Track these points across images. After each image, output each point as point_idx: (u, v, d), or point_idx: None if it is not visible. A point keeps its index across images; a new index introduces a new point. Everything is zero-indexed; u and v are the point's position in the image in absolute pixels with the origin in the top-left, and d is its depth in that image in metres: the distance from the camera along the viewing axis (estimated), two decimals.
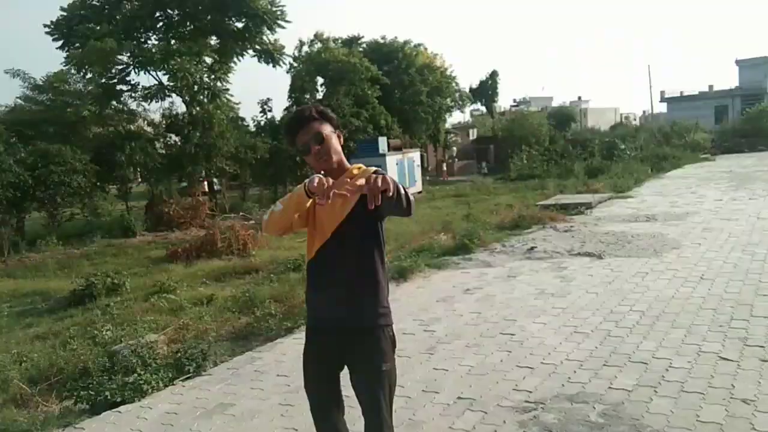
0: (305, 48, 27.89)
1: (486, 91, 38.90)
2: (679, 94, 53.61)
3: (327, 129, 2.53)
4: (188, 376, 4.92)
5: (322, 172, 2.48)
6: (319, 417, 2.68)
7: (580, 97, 68.09)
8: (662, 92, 54.73)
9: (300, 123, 2.51)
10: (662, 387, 4.05)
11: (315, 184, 2.22)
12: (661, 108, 55.15)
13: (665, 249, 8.58)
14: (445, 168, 33.23)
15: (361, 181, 2.19)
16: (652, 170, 22.26)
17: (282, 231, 2.60)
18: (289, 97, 26.79)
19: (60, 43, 20.22)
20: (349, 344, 2.54)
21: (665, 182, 18.95)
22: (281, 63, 22.91)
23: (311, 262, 2.59)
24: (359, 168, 2.58)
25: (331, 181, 2.25)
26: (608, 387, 4.12)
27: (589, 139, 30.10)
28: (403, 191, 2.20)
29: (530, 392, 4.14)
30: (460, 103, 35.87)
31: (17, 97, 21.31)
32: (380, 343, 2.54)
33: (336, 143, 2.55)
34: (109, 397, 4.40)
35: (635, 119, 62.87)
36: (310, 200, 2.37)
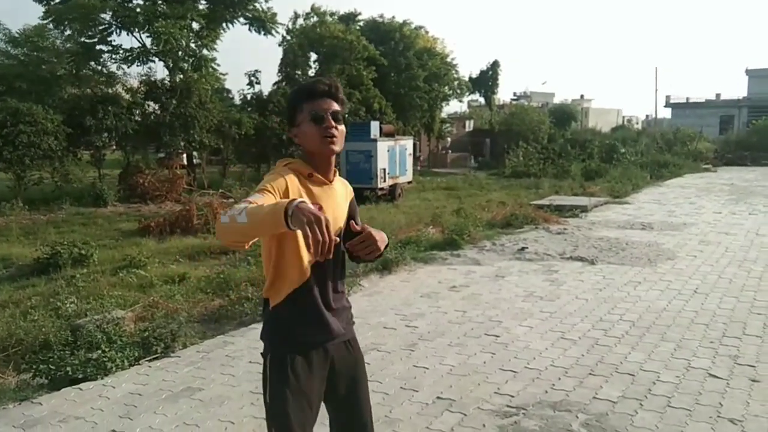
0: (300, 21, 26.82)
1: (486, 81, 37.70)
2: (684, 100, 53.23)
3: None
4: (155, 356, 4.74)
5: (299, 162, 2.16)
6: None
7: (582, 96, 67.68)
8: (667, 97, 54.37)
9: (328, 93, 2.14)
10: (648, 400, 3.96)
11: (310, 233, 1.66)
12: (665, 113, 55.06)
13: (660, 259, 8.44)
14: (420, 156, 31.38)
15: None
16: (652, 177, 22.08)
17: (237, 246, 1.97)
18: (280, 71, 25.90)
19: None
20: (336, 364, 2.20)
21: (664, 190, 18.83)
22: (273, 32, 22.28)
23: (312, 276, 2.12)
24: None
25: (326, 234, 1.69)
26: (593, 397, 4.02)
27: (589, 140, 29.75)
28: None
29: (512, 397, 4.03)
30: (459, 92, 34.48)
31: None
32: (362, 358, 2.32)
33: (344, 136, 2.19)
34: (70, 373, 4.21)
35: (638, 123, 62.72)
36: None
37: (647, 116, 64.93)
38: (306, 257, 2.08)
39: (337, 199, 2.19)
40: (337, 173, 2.24)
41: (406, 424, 3.66)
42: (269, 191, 1.95)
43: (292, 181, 2.05)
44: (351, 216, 2.27)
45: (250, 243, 1.90)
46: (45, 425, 3.68)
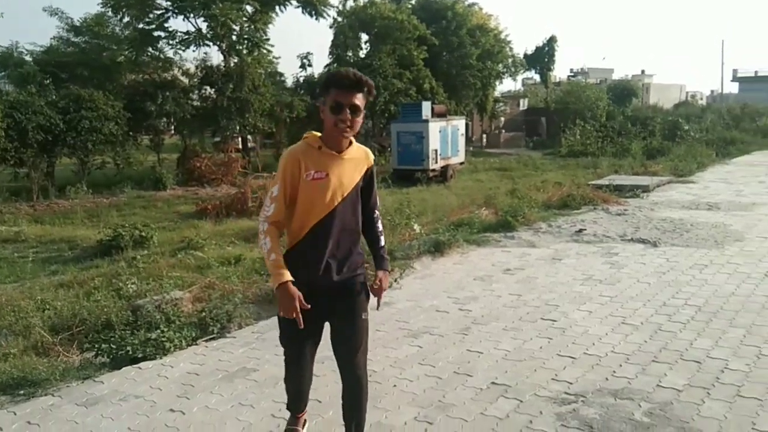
0: (350, 2, 26.50)
1: (542, 58, 36.40)
2: (753, 74, 50.61)
3: (363, 107, 2.62)
4: (212, 336, 4.80)
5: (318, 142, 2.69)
6: (297, 368, 2.96)
7: (643, 71, 64.97)
8: (735, 71, 52.06)
9: (352, 85, 2.56)
10: (716, 389, 3.76)
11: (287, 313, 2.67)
12: (732, 88, 52.57)
13: (727, 241, 8.03)
14: (472, 137, 30.55)
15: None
16: (718, 155, 21.11)
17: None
18: (330, 53, 25.86)
19: None
20: (336, 300, 2.79)
21: (731, 168, 17.94)
22: (324, 15, 22.28)
23: (310, 230, 2.71)
24: (357, 146, 2.75)
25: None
26: (656, 385, 3.84)
27: (650, 117, 28.66)
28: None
29: (570, 383, 3.89)
30: (513, 69, 33.62)
31: (52, 38, 21.01)
32: (361, 297, 2.84)
33: (360, 123, 2.68)
34: (130, 352, 4.31)
35: (702, 98, 59.77)
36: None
37: (712, 91, 61.98)
38: (312, 217, 2.73)
39: (345, 167, 2.67)
40: (353, 145, 2.72)
41: (460, 409, 3.59)
42: (280, 193, 2.65)
43: (298, 158, 2.63)
44: (365, 184, 2.77)
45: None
46: (106, 403, 3.77)
